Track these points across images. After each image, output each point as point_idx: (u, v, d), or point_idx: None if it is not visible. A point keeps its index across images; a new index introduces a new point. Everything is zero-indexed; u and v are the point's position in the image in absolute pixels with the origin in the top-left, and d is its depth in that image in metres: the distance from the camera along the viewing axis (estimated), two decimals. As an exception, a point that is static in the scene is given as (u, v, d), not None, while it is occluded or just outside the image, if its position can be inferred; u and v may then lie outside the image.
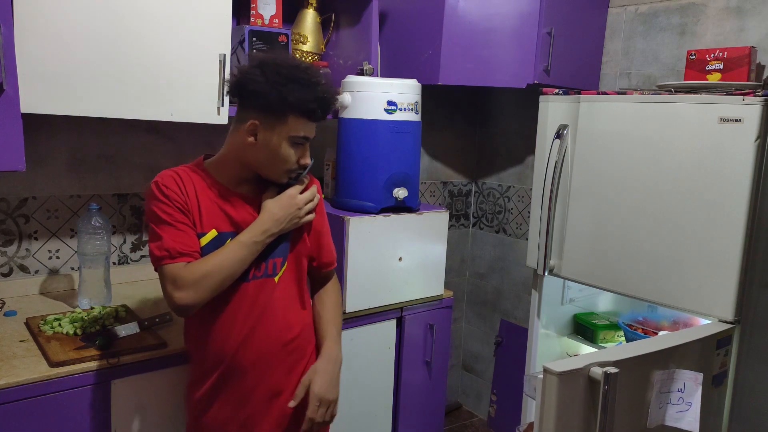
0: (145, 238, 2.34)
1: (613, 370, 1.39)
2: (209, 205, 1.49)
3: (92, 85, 1.76)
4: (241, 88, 1.43)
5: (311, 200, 1.56)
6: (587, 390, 1.42)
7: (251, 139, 1.44)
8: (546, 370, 1.39)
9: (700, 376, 1.56)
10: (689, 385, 1.57)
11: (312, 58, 2.41)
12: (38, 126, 2.04)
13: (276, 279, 1.56)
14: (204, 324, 1.53)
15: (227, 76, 1.95)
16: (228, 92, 1.49)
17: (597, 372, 1.40)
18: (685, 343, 1.62)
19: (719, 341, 1.73)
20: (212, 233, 1.48)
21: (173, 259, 1.42)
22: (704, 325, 1.80)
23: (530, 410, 2.29)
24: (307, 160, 1.50)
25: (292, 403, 1.55)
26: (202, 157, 1.57)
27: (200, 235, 1.48)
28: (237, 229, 1.50)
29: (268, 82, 1.39)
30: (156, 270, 1.47)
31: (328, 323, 1.67)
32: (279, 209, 1.49)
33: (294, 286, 1.60)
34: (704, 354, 1.70)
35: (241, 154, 1.48)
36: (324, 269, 1.70)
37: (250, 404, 1.56)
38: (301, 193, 1.54)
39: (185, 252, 1.43)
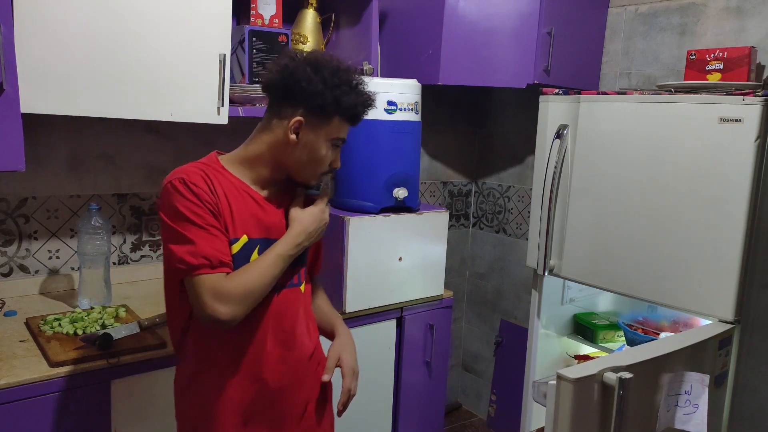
0: (145, 237, 2.33)
1: (627, 375, 1.38)
2: (240, 208, 1.39)
3: (92, 85, 1.76)
4: (291, 85, 1.36)
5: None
6: (600, 395, 1.41)
7: (293, 137, 1.38)
8: (560, 377, 1.38)
9: (706, 378, 1.56)
10: (696, 387, 1.57)
11: (312, 58, 2.41)
12: (38, 126, 2.04)
13: (302, 288, 1.51)
14: (229, 341, 1.41)
15: (227, 75, 1.96)
16: (267, 87, 1.42)
17: (611, 377, 1.39)
18: (693, 344, 1.62)
19: (720, 342, 1.73)
20: (243, 239, 1.39)
21: (214, 268, 1.31)
22: (708, 326, 1.80)
23: (530, 412, 2.29)
24: (339, 164, 1.48)
25: (326, 377, 1.51)
26: (215, 155, 1.46)
27: (233, 241, 1.37)
28: (267, 234, 1.42)
29: (324, 82, 1.35)
30: (184, 278, 1.33)
31: (331, 310, 1.69)
32: (311, 223, 1.45)
33: (310, 294, 1.58)
34: (707, 355, 1.70)
35: (278, 153, 1.41)
36: (315, 273, 1.70)
37: (285, 425, 1.48)
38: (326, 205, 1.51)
39: (226, 261, 1.33)
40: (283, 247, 1.40)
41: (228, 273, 1.33)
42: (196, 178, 1.34)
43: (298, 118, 1.37)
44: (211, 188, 1.34)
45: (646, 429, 1.54)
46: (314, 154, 1.41)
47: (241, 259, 1.37)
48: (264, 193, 1.45)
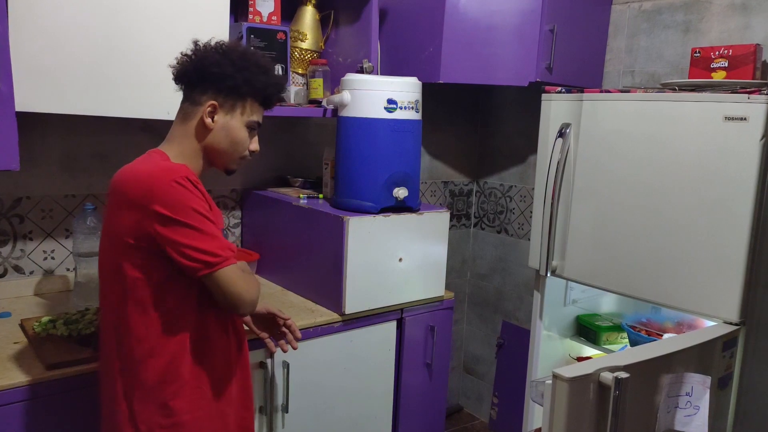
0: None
1: (623, 375, 1.38)
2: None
3: (87, 83, 1.75)
4: (201, 70, 1.41)
5: None
6: (597, 395, 1.41)
7: (209, 120, 1.42)
8: (556, 376, 1.37)
9: (708, 380, 1.55)
10: (697, 389, 1.56)
11: (311, 56, 2.39)
12: (32, 125, 2.02)
13: None
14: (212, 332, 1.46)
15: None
16: (179, 77, 1.45)
17: (607, 377, 1.39)
18: (692, 345, 1.61)
19: (725, 343, 1.73)
20: None
21: (234, 260, 1.36)
22: (711, 327, 1.79)
23: (532, 414, 2.29)
24: (257, 147, 1.52)
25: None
26: (161, 152, 1.45)
27: None
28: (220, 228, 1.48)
29: (233, 65, 1.40)
30: (211, 272, 1.32)
31: None
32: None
33: None
34: (711, 356, 1.69)
35: (202, 141, 1.44)
36: None
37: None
38: None
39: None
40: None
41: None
42: (193, 176, 1.35)
43: (212, 101, 1.41)
44: (201, 191, 1.36)
45: (645, 430, 1.53)
46: (233, 137, 1.45)
47: None
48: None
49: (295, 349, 1.69)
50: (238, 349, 1.52)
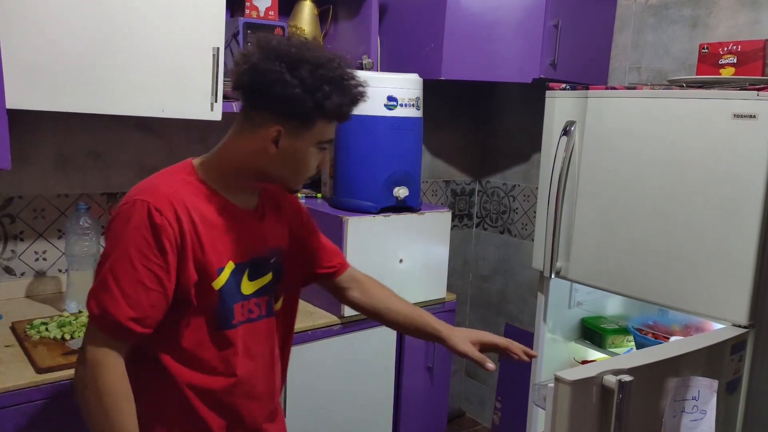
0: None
1: (627, 378, 1.36)
2: (218, 234, 1.25)
3: (81, 79, 1.73)
4: (264, 89, 1.18)
5: None
6: (600, 399, 1.39)
7: (273, 148, 1.22)
8: (558, 379, 1.36)
9: (715, 383, 1.54)
10: (704, 393, 1.55)
11: (309, 53, 2.37)
12: (24, 122, 2.01)
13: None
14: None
15: (221, 70, 1.93)
16: (236, 88, 1.24)
17: (611, 380, 1.37)
18: (699, 348, 1.59)
19: (733, 346, 1.70)
20: (230, 266, 1.27)
21: (107, 330, 1.18)
22: (718, 330, 1.77)
23: (536, 419, 2.27)
24: (326, 164, 1.39)
25: (491, 365, 1.46)
26: (190, 163, 1.30)
27: (218, 271, 1.25)
28: (253, 254, 1.31)
29: (302, 85, 1.16)
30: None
31: (407, 304, 1.69)
32: None
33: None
34: (718, 360, 1.67)
35: (257, 163, 1.25)
36: (344, 268, 1.67)
37: None
38: None
39: (126, 328, 1.17)
40: None
41: (119, 340, 1.19)
42: (164, 203, 1.18)
43: (277, 127, 1.20)
44: (178, 217, 1.19)
45: (650, 435, 1.52)
46: (299, 162, 1.26)
47: (231, 289, 1.27)
48: (244, 204, 1.32)
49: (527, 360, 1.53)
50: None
